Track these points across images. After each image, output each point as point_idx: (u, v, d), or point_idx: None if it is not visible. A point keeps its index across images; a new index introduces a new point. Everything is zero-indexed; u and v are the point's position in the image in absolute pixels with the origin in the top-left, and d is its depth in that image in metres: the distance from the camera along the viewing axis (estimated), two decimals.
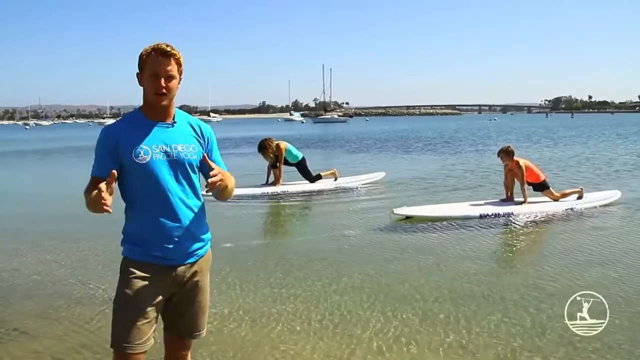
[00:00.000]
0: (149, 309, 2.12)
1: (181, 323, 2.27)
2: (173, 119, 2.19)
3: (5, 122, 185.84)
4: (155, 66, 2.09)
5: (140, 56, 2.13)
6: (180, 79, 2.18)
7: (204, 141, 2.25)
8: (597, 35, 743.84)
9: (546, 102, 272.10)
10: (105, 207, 1.91)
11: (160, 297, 2.16)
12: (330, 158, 19.55)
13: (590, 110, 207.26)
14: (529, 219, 7.33)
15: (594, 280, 4.69)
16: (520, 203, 7.71)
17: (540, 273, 5.01)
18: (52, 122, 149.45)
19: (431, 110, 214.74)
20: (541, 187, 7.96)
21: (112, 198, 1.95)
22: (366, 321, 3.87)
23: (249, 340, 3.60)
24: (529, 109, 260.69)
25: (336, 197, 9.83)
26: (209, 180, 2.06)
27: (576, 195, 8.10)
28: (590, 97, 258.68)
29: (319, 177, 10.52)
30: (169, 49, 2.10)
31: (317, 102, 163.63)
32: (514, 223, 7.16)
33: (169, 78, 2.11)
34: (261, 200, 9.49)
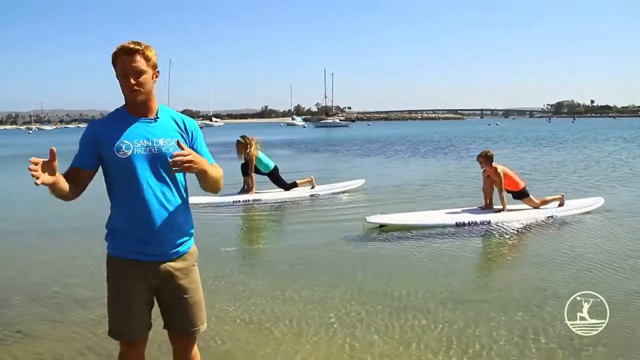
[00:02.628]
0: (135, 303, 2.21)
1: (176, 320, 2.30)
2: (156, 115, 2.21)
3: (8, 127, 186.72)
4: (122, 65, 2.11)
5: (112, 56, 2.15)
6: (155, 73, 2.18)
7: (188, 135, 2.26)
8: (600, 39, 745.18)
9: (548, 106, 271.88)
10: (33, 173, 1.86)
11: (145, 291, 2.22)
12: (340, 162, 19.47)
13: (593, 114, 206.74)
14: (508, 227, 7.12)
15: (576, 286, 4.60)
16: (499, 211, 7.52)
17: (519, 278, 4.98)
18: (54, 127, 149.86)
19: (433, 115, 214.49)
20: (521, 195, 7.79)
21: (52, 178, 1.93)
22: (364, 325, 3.89)
23: (256, 345, 3.62)
24: (531, 113, 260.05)
25: (312, 205, 9.49)
26: (174, 154, 2.05)
27: (557, 203, 7.88)
28: (592, 101, 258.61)
29: (294, 185, 10.22)
30: (132, 45, 2.11)
31: (319, 106, 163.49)
32: (493, 231, 6.98)
33: (138, 74, 2.11)
34: (235, 208, 9.16)
